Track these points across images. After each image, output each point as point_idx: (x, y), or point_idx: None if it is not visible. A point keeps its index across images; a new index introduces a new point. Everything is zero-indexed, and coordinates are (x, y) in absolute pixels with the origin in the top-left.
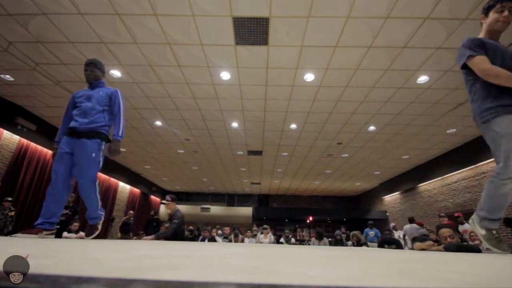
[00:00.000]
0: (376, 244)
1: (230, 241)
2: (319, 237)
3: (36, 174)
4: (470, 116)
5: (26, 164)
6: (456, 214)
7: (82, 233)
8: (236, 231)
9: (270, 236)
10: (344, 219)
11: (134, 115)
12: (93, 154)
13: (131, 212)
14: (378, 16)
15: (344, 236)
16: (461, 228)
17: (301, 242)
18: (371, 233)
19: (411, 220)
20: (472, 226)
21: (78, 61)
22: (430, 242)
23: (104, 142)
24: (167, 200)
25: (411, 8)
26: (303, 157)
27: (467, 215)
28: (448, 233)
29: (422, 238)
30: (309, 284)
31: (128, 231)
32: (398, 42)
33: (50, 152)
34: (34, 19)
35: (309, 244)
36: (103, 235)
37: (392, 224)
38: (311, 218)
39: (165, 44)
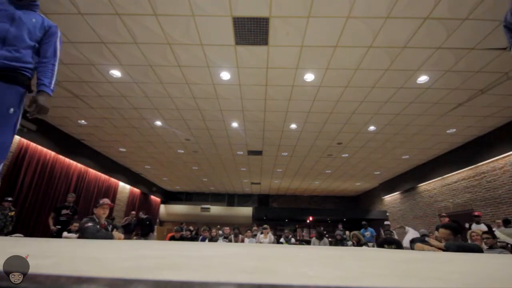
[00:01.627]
0: (372, 244)
1: (230, 241)
2: (320, 237)
3: (36, 174)
4: (470, 116)
5: (26, 164)
6: (475, 213)
7: None
8: (236, 231)
9: (270, 236)
10: (344, 219)
11: (134, 115)
12: (11, 110)
13: (134, 212)
14: (378, 16)
15: (341, 233)
16: (475, 227)
17: (301, 242)
18: (367, 233)
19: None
20: None
21: (78, 61)
22: (433, 242)
23: (27, 92)
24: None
25: (411, 8)
26: (303, 157)
27: (468, 215)
28: (443, 234)
29: (422, 239)
30: (309, 284)
31: (130, 231)
32: (398, 42)
33: (50, 152)
34: None
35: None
36: None
37: (387, 222)
38: (311, 218)
39: (165, 44)
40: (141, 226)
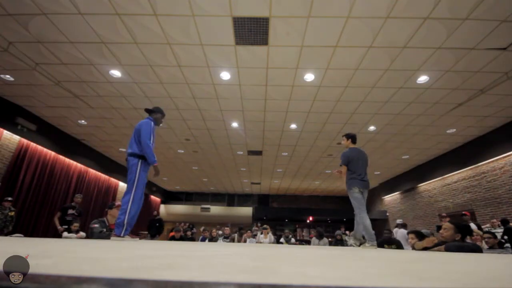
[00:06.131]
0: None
1: (233, 240)
2: (319, 237)
3: (36, 174)
4: (470, 116)
5: (26, 164)
6: (463, 212)
7: (82, 233)
8: (242, 231)
9: (270, 236)
10: (344, 219)
11: (134, 115)
12: (133, 166)
13: None
14: (378, 16)
15: (344, 236)
16: None
17: (301, 242)
18: None
19: (404, 226)
20: None
21: (78, 61)
22: (431, 238)
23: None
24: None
25: (411, 8)
26: (303, 157)
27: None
28: (447, 227)
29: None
30: (309, 284)
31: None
32: (398, 42)
33: (50, 152)
34: (34, 19)
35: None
36: None
37: (399, 221)
38: (311, 218)
39: (165, 44)
40: (149, 226)
